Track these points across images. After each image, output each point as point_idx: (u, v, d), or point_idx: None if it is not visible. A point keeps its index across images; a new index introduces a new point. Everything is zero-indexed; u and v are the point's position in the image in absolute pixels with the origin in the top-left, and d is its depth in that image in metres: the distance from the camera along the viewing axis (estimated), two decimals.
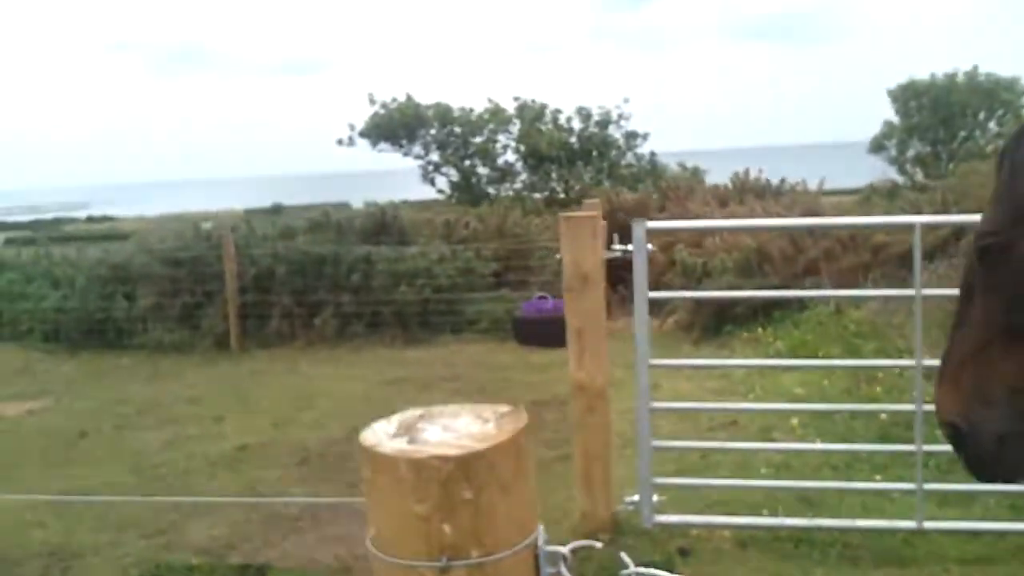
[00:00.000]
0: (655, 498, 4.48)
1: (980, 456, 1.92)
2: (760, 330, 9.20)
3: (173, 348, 11.77)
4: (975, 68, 29.51)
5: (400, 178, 32.87)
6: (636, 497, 4.51)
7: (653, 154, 26.51)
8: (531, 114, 26.26)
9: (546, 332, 9.63)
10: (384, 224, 12.59)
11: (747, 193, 14.72)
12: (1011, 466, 1.92)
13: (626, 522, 4.57)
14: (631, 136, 26.59)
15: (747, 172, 15.97)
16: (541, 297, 11.00)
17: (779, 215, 11.24)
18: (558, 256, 4.50)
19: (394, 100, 27.00)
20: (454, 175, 27.33)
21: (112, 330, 12.20)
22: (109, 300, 12.29)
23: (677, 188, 15.97)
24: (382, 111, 26.89)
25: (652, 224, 4.53)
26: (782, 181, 15.68)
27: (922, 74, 30.46)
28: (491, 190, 26.77)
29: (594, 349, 4.42)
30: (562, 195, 24.78)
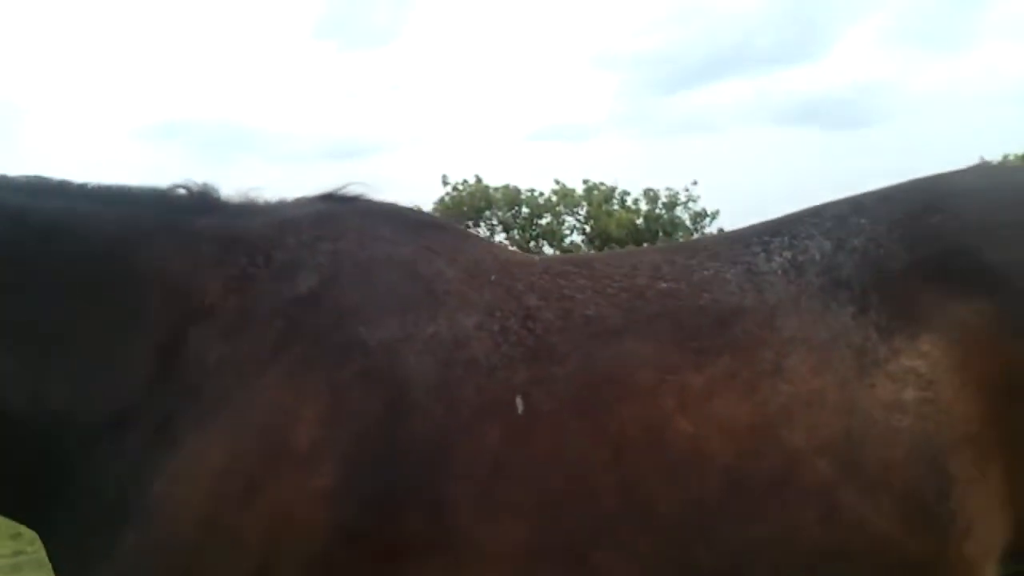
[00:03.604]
0: None
1: None
2: None
3: None
4: None
5: None
6: None
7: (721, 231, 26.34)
8: (600, 196, 26.24)
9: None
10: None
11: None
12: None
13: None
14: (699, 216, 26.40)
15: None
16: None
17: None
18: None
19: (464, 182, 27.15)
20: None
21: None
22: None
23: None
24: (453, 193, 27.01)
25: None
26: None
27: (989, 154, 30.04)
28: None
29: None
30: None
